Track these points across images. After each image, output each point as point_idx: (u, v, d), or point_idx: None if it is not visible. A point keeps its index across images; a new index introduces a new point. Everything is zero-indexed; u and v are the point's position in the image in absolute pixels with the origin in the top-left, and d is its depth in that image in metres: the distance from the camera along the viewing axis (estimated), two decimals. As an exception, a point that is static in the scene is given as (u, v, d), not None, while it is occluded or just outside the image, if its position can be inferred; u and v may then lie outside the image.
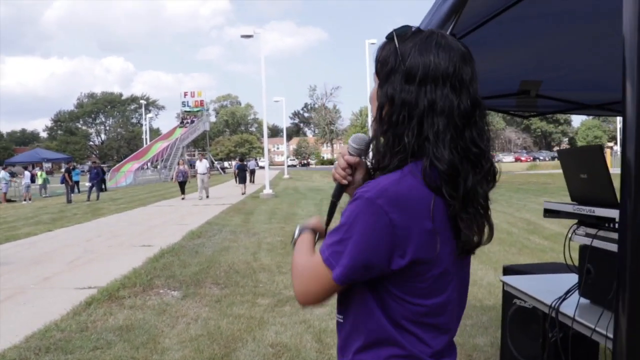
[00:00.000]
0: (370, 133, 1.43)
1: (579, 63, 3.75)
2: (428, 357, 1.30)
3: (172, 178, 26.28)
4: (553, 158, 74.02)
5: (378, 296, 1.29)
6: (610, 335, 2.21)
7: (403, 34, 1.32)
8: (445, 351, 1.34)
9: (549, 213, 2.92)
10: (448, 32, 1.99)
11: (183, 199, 23.40)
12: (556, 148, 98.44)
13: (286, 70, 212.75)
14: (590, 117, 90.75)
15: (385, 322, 1.29)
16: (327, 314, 5.83)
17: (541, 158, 75.63)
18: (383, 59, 1.33)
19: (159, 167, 51.49)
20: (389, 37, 1.34)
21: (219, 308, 6.16)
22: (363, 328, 1.32)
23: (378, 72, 1.35)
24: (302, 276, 1.34)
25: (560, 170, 2.90)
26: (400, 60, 1.27)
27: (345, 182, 1.54)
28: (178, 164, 25.92)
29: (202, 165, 24.04)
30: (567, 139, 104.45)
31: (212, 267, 8.41)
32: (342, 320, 1.40)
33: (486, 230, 1.32)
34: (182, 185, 24.00)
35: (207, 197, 23.84)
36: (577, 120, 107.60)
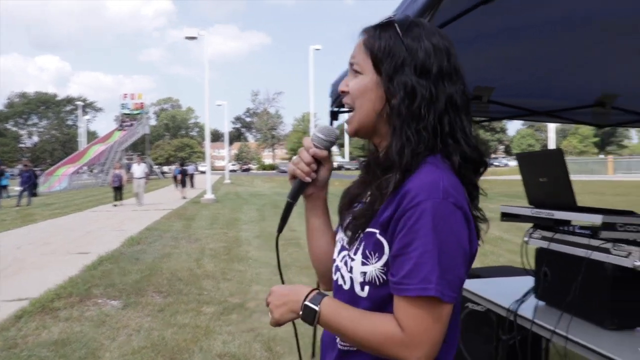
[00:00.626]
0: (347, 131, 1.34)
1: (530, 71, 3.80)
2: None
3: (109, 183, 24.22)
4: (490, 165, 76.04)
5: None
6: (571, 337, 2.21)
7: (404, 23, 1.25)
8: None
9: (506, 217, 2.91)
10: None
11: (115, 205, 21.87)
12: (493, 155, 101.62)
13: (229, 74, 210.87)
14: (525, 126, 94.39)
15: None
16: (275, 321, 5.69)
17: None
18: (386, 49, 1.23)
19: (95, 171, 49.93)
20: (385, 26, 1.26)
21: (162, 317, 5.92)
22: None
23: (378, 63, 1.24)
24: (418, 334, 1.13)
25: (496, 177, 2.90)
26: (409, 53, 1.21)
27: (309, 179, 1.41)
28: (114, 167, 24.18)
29: (139, 169, 22.41)
30: (503, 146, 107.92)
31: (154, 275, 8.11)
32: (355, 350, 1.27)
33: None
34: (117, 190, 22.40)
35: (141, 204, 21.98)
36: (512, 129, 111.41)
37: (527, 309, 2.65)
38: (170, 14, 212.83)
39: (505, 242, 10.61)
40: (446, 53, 1.23)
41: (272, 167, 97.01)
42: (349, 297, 1.28)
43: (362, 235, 1.24)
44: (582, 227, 2.61)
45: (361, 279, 1.23)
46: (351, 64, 1.30)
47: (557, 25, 3.21)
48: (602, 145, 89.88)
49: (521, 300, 2.72)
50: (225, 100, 51.09)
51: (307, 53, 42.52)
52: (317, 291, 1.28)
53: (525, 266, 2.83)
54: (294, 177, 1.43)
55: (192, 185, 36.46)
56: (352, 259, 1.26)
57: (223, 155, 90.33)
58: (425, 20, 1.28)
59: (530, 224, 2.84)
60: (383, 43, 1.24)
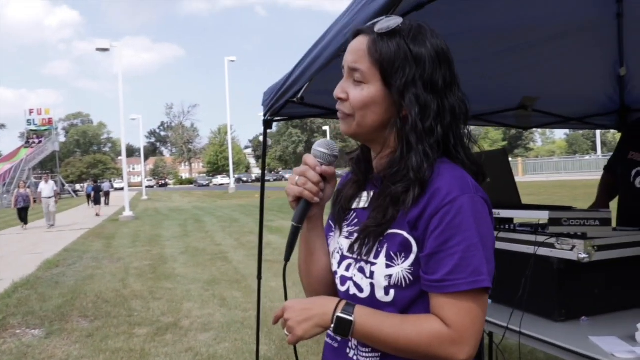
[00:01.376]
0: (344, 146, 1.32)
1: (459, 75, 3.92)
2: None
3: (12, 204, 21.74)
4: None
5: None
6: (525, 332, 2.28)
7: (410, 31, 1.21)
8: None
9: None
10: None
11: (24, 228, 20.03)
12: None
13: (142, 88, 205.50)
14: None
15: None
16: (213, 338, 5.57)
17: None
18: (396, 62, 1.19)
19: (1, 192, 47.17)
20: (391, 33, 1.20)
21: (92, 343, 5.63)
22: None
23: (386, 74, 1.20)
24: (467, 330, 1.12)
25: None
26: (418, 65, 1.19)
27: (317, 199, 1.31)
28: (18, 187, 21.93)
29: (47, 188, 20.82)
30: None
31: (78, 298, 7.72)
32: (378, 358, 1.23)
33: None
34: (22, 212, 20.33)
35: (53, 225, 20.57)
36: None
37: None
38: (77, 26, 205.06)
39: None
40: (448, 61, 1.23)
41: (189, 182, 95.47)
42: (368, 305, 1.23)
43: (381, 238, 1.21)
44: (521, 225, 2.72)
45: (386, 283, 1.20)
46: (352, 70, 1.24)
47: (481, 32, 3.35)
48: (511, 149, 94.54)
49: (469, 299, 2.78)
50: (139, 114, 49.82)
51: (222, 65, 42.14)
52: (345, 301, 1.21)
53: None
54: (297, 199, 1.32)
55: (107, 203, 35.34)
56: (372, 264, 1.22)
57: (139, 171, 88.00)
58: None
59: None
60: (392, 54, 1.19)
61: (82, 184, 76.08)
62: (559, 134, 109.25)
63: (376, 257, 1.21)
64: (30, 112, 63.09)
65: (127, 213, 23.34)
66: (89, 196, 31.79)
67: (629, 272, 2.46)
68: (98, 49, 23.83)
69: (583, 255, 2.20)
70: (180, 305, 7.10)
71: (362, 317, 1.17)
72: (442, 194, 1.14)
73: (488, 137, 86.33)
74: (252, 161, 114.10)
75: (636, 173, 3.00)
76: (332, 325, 1.18)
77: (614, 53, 4.00)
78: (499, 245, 2.67)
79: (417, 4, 2.56)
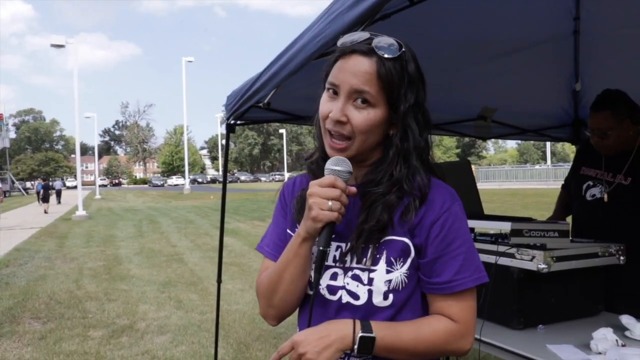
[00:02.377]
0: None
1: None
2: None
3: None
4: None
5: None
6: (484, 339, 2.35)
7: (407, 54, 1.26)
8: None
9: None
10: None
11: None
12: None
13: (97, 85, 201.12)
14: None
15: None
16: (170, 341, 5.51)
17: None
18: (397, 82, 1.23)
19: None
20: (396, 58, 1.23)
21: (45, 346, 5.48)
22: None
23: (394, 98, 1.24)
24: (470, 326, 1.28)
25: None
26: (413, 87, 1.26)
27: (341, 219, 1.23)
28: None
29: None
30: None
31: (29, 299, 7.51)
32: None
33: None
34: None
35: None
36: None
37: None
38: (30, 20, 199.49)
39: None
40: (424, 79, 1.30)
41: (144, 182, 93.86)
42: (364, 311, 1.26)
43: (377, 245, 1.26)
44: (481, 235, 2.79)
45: (385, 288, 1.25)
46: (358, 92, 1.22)
47: (442, 44, 3.43)
48: (464, 156, 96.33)
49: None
50: (94, 112, 48.73)
51: (180, 65, 41.66)
52: (359, 321, 1.22)
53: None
54: (329, 222, 1.22)
55: (59, 202, 34.60)
56: (372, 270, 1.25)
57: (92, 169, 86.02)
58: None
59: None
60: (398, 79, 1.22)
61: (32, 182, 73.92)
62: (511, 144, 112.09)
63: (375, 263, 1.26)
64: (-21, 106, 60.92)
65: (80, 212, 22.80)
66: (38, 194, 31.40)
67: (585, 282, 2.56)
68: (53, 45, 23.16)
69: (542, 266, 2.28)
70: (135, 307, 6.99)
71: (381, 331, 1.21)
72: (438, 204, 1.26)
73: (442, 145, 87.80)
74: (208, 162, 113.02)
75: (587, 187, 3.12)
76: (356, 347, 1.19)
77: (569, 68, 4.15)
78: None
79: (383, 15, 2.62)
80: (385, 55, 1.21)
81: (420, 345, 1.22)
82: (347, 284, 1.29)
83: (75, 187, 26.85)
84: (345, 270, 1.29)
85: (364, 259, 1.26)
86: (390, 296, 1.25)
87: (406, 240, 1.26)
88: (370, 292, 1.26)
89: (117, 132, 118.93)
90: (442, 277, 1.24)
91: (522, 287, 2.41)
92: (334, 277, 1.31)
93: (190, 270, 9.68)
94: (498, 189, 36.75)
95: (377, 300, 1.26)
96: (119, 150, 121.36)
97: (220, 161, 73.70)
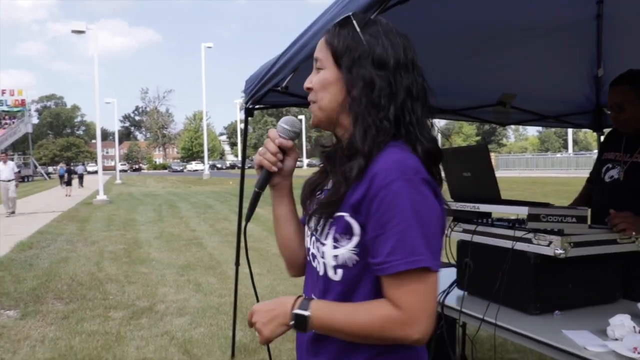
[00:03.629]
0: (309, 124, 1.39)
1: (439, 71, 3.98)
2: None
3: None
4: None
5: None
6: (500, 324, 2.36)
7: (362, 21, 1.31)
8: None
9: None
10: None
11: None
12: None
13: (117, 71, 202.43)
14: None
15: None
16: (188, 323, 5.59)
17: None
18: (346, 44, 1.28)
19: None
20: (344, 23, 1.31)
21: (67, 325, 5.60)
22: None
23: (339, 58, 1.29)
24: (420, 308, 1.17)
25: None
26: (368, 46, 1.27)
27: (275, 168, 1.42)
28: None
29: (6, 170, 17.74)
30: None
31: (52, 281, 7.66)
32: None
33: None
34: None
35: (13, 212, 17.84)
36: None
37: (453, 300, 2.78)
38: (52, 7, 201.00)
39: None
40: (402, 47, 1.29)
41: (163, 167, 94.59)
42: (323, 283, 1.32)
43: (331, 220, 1.28)
44: (498, 220, 2.78)
45: (334, 263, 1.28)
46: (315, 61, 1.36)
47: (462, 30, 3.41)
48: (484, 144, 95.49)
49: (447, 291, 2.85)
50: (114, 98, 49.07)
51: (199, 51, 41.71)
52: (302, 297, 1.27)
53: (448, 259, 2.96)
54: (260, 167, 1.44)
55: (81, 185, 35.29)
56: (323, 244, 1.31)
57: (112, 154, 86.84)
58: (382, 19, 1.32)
59: (450, 218, 2.98)
60: (342, 39, 1.29)
61: (54, 167, 74.94)
62: (532, 131, 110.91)
63: (326, 238, 1.30)
64: (3, 92, 61.84)
65: (101, 197, 23.06)
66: (61, 177, 32.66)
67: (602, 269, 2.55)
68: (73, 31, 23.32)
69: (559, 251, 2.27)
70: (155, 290, 7.09)
71: (317, 310, 1.23)
72: (380, 177, 1.18)
73: (462, 132, 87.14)
74: (227, 148, 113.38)
75: (606, 169, 3.09)
76: (292, 323, 1.24)
77: (592, 54, 4.10)
78: (477, 239, 2.74)
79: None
80: (336, 23, 1.33)
81: (354, 328, 1.20)
82: (316, 255, 1.36)
83: (96, 172, 27.15)
84: (314, 240, 1.37)
85: (321, 232, 1.32)
86: (340, 271, 1.28)
87: (347, 216, 1.25)
88: (324, 264, 1.32)
89: (137, 118, 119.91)
90: (377, 258, 1.18)
91: (538, 273, 2.41)
92: (313, 243, 1.38)
93: (209, 254, 9.77)
94: (518, 177, 36.46)
95: (330, 273, 1.30)
96: (139, 136, 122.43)
97: (240, 147, 73.99)
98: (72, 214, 18.28)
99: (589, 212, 2.87)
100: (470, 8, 3.22)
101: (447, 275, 3.11)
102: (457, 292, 2.88)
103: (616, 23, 3.64)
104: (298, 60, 2.77)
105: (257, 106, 4.34)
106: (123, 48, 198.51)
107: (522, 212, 2.39)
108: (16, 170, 18.24)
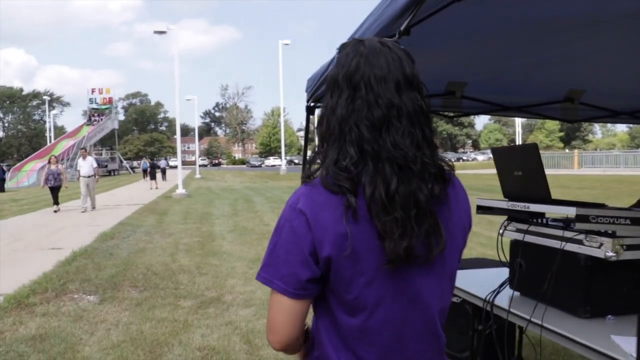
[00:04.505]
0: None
1: (501, 67, 3.92)
2: None
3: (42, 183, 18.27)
4: (458, 159, 77.50)
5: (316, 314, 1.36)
6: (546, 325, 2.32)
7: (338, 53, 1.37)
8: None
9: (481, 210, 2.99)
10: (403, 27, 1.99)
11: (56, 211, 17.45)
12: (461, 150, 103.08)
13: (198, 69, 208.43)
14: (492, 121, 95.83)
15: (323, 340, 1.33)
16: (253, 314, 5.76)
17: (447, 159, 79.07)
18: (331, 70, 1.37)
19: (64, 166, 49.12)
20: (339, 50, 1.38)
21: (139, 312, 5.92)
22: (315, 338, 1.38)
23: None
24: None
25: (465, 171, 2.99)
26: (338, 70, 1.33)
27: None
28: (49, 162, 18.41)
29: (85, 165, 17.70)
30: (470, 140, 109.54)
31: (129, 270, 8.08)
32: None
33: (429, 237, 1.24)
34: (53, 191, 17.51)
35: (93, 208, 17.87)
36: (479, 123, 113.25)
37: (503, 299, 2.75)
38: (138, 9, 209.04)
39: (477, 235, 10.80)
40: (354, 65, 1.31)
41: (242, 162, 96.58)
42: None
43: None
44: (554, 220, 2.72)
45: None
46: None
47: (526, 25, 3.32)
48: (568, 140, 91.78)
49: (497, 291, 2.82)
50: (195, 95, 50.65)
51: (277, 48, 42.32)
52: None
53: (500, 258, 2.93)
54: None
55: (164, 179, 37.64)
56: None
57: (193, 149, 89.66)
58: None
59: (504, 217, 2.94)
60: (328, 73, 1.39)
61: (138, 161, 78.37)
62: (621, 126, 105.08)
63: None
64: (92, 91, 65.50)
65: (180, 190, 23.90)
66: (145, 171, 36.14)
67: (660, 273, 2.45)
68: (155, 32, 24.34)
69: (610, 254, 2.21)
70: (224, 281, 7.33)
71: None
72: None
73: (544, 127, 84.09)
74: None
75: None
76: None
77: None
78: (530, 238, 2.69)
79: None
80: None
81: None
82: None
83: (176, 167, 28.16)
84: None
85: None
86: None
87: None
88: None
89: (217, 114, 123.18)
90: None
91: (589, 275, 2.35)
92: None
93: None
94: (603, 175, 34.80)
95: None
96: (219, 132, 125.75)
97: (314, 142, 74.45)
98: (152, 206, 19.08)
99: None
100: (531, 3, 3.14)
101: (499, 275, 3.08)
102: (509, 292, 2.85)
103: None
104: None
105: (318, 104, 4.42)
106: (204, 46, 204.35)
107: (571, 212, 2.33)
108: (95, 165, 18.16)
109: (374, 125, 1.22)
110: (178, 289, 6.93)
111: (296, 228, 1.23)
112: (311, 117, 4.69)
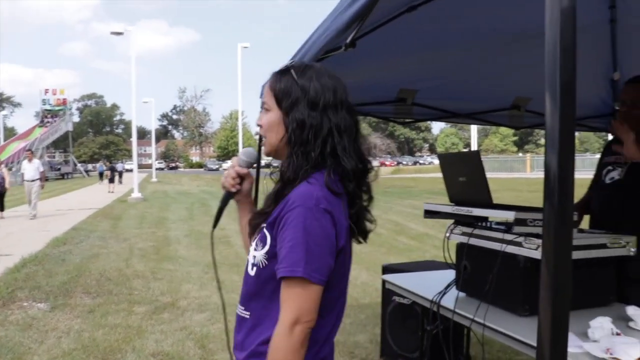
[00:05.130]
0: (267, 149, 1.65)
1: (451, 76, 4.05)
2: (322, 342, 1.56)
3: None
4: (415, 163, 78.59)
5: None
6: (488, 324, 2.42)
7: (299, 68, 1.58)
8: (331, 337, 1.61)
9: (428, 214, 3.09)
10: (349, 40, 2.08)
11: (1, 217, 16.03)
12: (418, 154, 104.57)
13: (156, 71, 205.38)
14: (449, 125, 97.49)
15: None
16: (207, 319, 5.75)
17: (404, 163, 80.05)
18: (285, 90, 1.56)
19: (14, 169, 47.72)
20: (284, 71, 1.59)
21: (92, 319, 5.83)
22: (269, 322, 1.50)
23: (279, 102, 1.56)
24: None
25: (421, 175, 3.10)
26: (302, 92, 1.53)
27: (234, 190, 1.78)
28: None
29: (30, 168, 16.27)
30: (427, 144, 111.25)
31: (82, 276, 7.94)
32: (247, 316, 1.60)
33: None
34: None
35: (34, 216, 16.24)
36: (436, 128, 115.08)
37: (449, 300, 2.84)
38: (96, 7, 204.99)
39: (431, 238, 11.04)
40: (333, 90, 1.55)
41: (200, 165, 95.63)
42: (246, 277, 1.64)
43: (258, 229, 1.60)
44: (497, 223, 2.84)
45: (252, 261, 1.60)
46: (262, 104, 1.63)
47: (474, 35, 3.45)
48: (521, 144, 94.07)
49: (443, 292, 2.92)
50: (152, 97, 50.12)
51: (235, 50, 42.06)
52: None
53: (447, 260, 3.03)
54: (224, 187, 1.79)
55: (120, 182, 38.09)
56: (252, 246, 1.63)
57: (149, 153, 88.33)
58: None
59: (452, 220, 3.04)
60: (282, 85, 1.56)
61: (94, 164, 76.70)
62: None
63: (253, 241, 1.62)
64: (46, 91, 63.89)
65: (136, 194, 23.59)
66: (101, 175, 36.78)
67: (595, 273, 2.59)
68: (112, 33, 23.90)
69: (547, 255, 2.32)
70: (179, 286, 7.29)
71: None
72: (289, 202, 1.47)
73: (499, 132, 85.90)
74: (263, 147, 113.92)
75: (606, 171, 3.13)
76: None
77: (607, 57, 4.08)
78: (474, 241, 2.79)
79: (410, 7, 2.69)
80: (279, 71, 1.61)
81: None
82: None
83: (132, 170, 27.75)
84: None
85: (253, 236, 1.64)
86: (254, 269, 1.59)
87: (265, 229, 1.56)
88: (248, 262, 1.64)
89: (174, 117, 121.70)
90: (277, 264, 1.47)
91: (528, 275, 2.47)
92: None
93: (235, 253, 9.94)
94: (554, 178, 35.70)
95: (249, 269, 1.62)
96: (176, 135, 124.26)
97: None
98: (107, 211, 18.77)
99: (579, 217, 2.90)
100: (480, 14, 3.26)
101: (447, 277, 3.18)
102: (454, 293, 2.95)
103: (630, 28, 3.64)
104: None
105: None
106: (163, 47, 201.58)
107: (510, 216, 2.44)
108: (41, 169, 16.74)
109: (349, 138, 1.58)
110: (132, 295, 6.86)
111: (325, 225, 1.46)
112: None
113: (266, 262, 1.54)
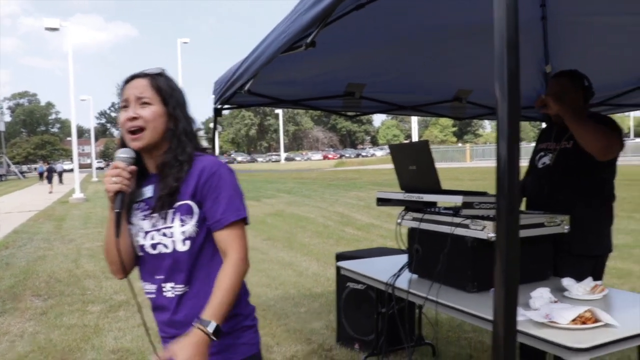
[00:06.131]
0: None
1: (396, 70, 4.25)
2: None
3: None
4: (358, 155, 79.33)
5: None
6: (440, 301, 2.62)
7: (169, 74, 1.92)
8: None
9: (381, 202, 3.27)
10: (309, 40, 2.22)
11: None
12: (360, 146, 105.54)
13: (92, 67, 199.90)
14: (389, 117, 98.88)
15: None
16: (165, 315, 5.78)
17: (347, 155, 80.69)
18: (168, 89, 1.85)
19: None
20: (159, 74, 1.88)
21: (46, 320, 5.78)
22: (213, 282, 1.74)
23: (166, 98, 1.83)
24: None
25: (364, 167, 3.28)
26: (179, 93, 1.89)
27: (129, 189, 1.81)
28: None
29: None
30: (369, 137, 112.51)
31: (30, 278, 7.81)
32: (187, 290, 1.82)
33: None
34: None
35: None
36: (377, 120, 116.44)
37: (403, 282, 3.04)
38: (23, 1, 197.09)
39: (377, 227, 11.32)
40: (181, 91, 1.92)
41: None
42: (172, 257, 1.80)
43: (174, 209, 1.78)
44: (446, 208, 3.05)
45: (182, 237, 1.78)
46: (139, 98, 1.81)
47: (419, 31, 3.66)
48: (460, 135, 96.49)
49: (397, 275, 3.11)
50: (90, 95, 48.55)
51: (175, 46, 41.42)
52: (197, 321, 1.68)
53: (400, 245, 3.22)
54: (116, 193, 1.77)
55: (61, 182, 37.53)
56: (171, 227, 1.79)
57: (88, 152, 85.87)
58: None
59: (402, 208, 3.24)
60: (165, 85, 1.84)
61: (29, 165, 73.96)
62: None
63: (172, 222, 1.79)
64: (-27, 89, 60.95)
65: (78, 195, 23.00)
66: (41, 175, 37.02)
67: (534, 250, 2.83)
68: (47, 29, 23.04)
69: (492, 235, 2.53)
70: (132, 284, 7.23)
71: (213, 315, 1.67)
72: (207, 170, 1.78)
73: (439, 123, 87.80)
74: (204, 144, 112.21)
75: (539, 157, 3.40)
76: (215, 339, 1.66)
77: (540, 52, 4.37)
78: (425, 226, 3.00)
79: (358, 4, 2.85)
80: (153, 73, 1.87)
81: (230, 295, 1.70)
82: (160, 240, 1.82)
83: (72, 170, 26.99)
84: (157, 230, 1.82)
85: (166, 219, 1.80)
86: (188, 242, 1.79)
87: (189, 202, 1.78)
88: (173, 242, 1.80)
89: (113, 114, 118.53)
90: (213, 219, 1.76)
91: (475, 255, 2.68)
92: (151, 237, 1.84)
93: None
94: (492, 167, 36.77)
95: (179, 247, 1.79)
96: (116, 133, 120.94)
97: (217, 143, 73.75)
98: (49, 212, 18.28)
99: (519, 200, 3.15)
100: (424, 10, 3.44)
101: (398, 261, 3.38)
102: (408, 275, 3.15)
103: (559, 25, 3.91)
104: (256, 68, 3.01)
105: (225, 106, 4.55)
106: (100, 43, 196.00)
107: (458, 200, 2.65)
108: None
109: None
110: (85, 295, 6.81)
111: (235, 179, 1.83)
112: (218, 118, 4.80)
113: (198, 230, 1.78)
